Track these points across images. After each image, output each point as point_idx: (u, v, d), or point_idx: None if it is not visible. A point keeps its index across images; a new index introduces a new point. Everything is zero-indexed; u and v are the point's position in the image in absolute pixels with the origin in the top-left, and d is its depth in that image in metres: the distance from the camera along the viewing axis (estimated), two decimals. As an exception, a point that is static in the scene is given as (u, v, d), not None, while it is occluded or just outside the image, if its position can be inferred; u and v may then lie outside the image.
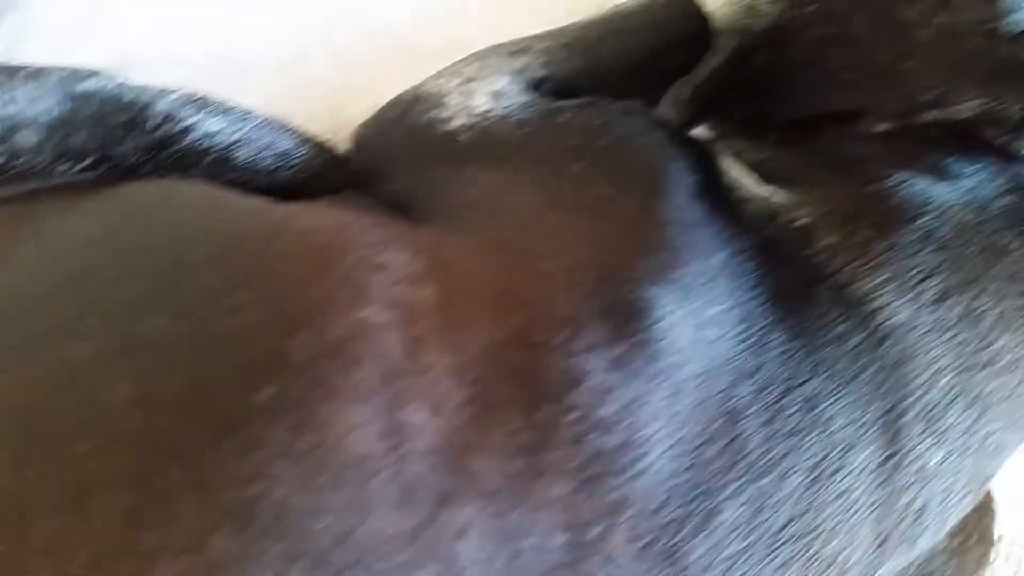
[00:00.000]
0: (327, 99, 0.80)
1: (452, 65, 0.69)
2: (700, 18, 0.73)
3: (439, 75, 0.69)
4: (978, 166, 0.56)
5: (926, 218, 0.53)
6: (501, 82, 0.66)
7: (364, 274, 0.48)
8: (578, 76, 0.69)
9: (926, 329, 0.52)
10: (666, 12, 0.73)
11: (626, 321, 0.49)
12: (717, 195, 0.58)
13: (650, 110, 0.66)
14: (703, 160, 0.61)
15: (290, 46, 0.80)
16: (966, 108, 0.56)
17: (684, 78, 0.73)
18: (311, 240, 0.50)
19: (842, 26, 0.61)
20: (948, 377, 0.52)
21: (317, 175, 0.71)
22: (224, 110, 0.67)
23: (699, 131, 0.71)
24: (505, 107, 0.64)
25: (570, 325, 0.48)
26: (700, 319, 0.50)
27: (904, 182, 0.54)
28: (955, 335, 0.52)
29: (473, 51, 0.79)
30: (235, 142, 0.65)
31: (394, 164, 0.67)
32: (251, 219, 0.52)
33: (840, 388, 0.50)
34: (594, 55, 0.70)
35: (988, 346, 0.53)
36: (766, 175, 0.60)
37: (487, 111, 0.64)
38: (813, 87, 0.62)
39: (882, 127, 0.58)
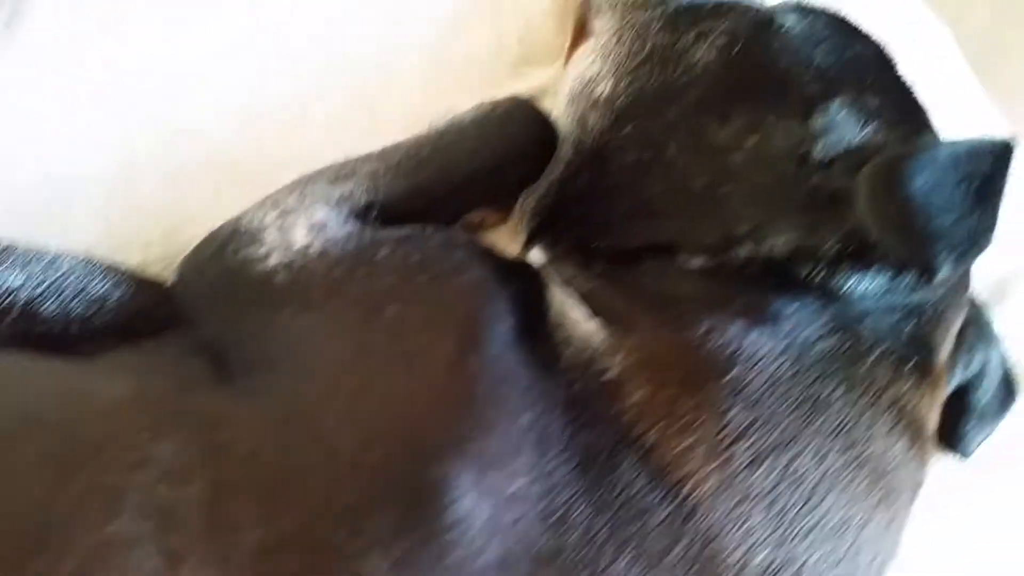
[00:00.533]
0: (161, 222, 0.75)
1: (273, 194, 0.65)
2: (545, 124, 0.70)
3: (259, 205, 0.64)
4: (797, 306, 0.51)
5: (736, 371, 0.49)
6: (321, 213, 0.63)
7: (121, 476, 0.43)
8: (406, 199, 0.66)
9: (738, 498, 0.47)
10: (505, 120, 0.70)
11: (416, 508, 0.44)
12: (536, 339, 0.54)
13: (475, 239, 0.62)
14: (529, 294, 0.57)
15: (120, 167, 0.76)
16: (782, 242, 0.52)
17: (530, 188, 0.70)
18: (67, 436, 0.46)
19: (657, 151, 0.57)
20: (766, 551, 0.48)
21: (138, 314, 0.67)
22: (28, 261, 0.63)
23: (536, 253, 0.66)
24: (324, 241, 0.60)
25: (352, 518, 0.44)
26: (499, 498, 0.46)
27: (715, 329, 0.50)
28: (772, 502, 0.48)
29: (309, 169, 0.76)
30: (41, 295, 0.62)
31: (210, 306, 0.62)
32: (8, 412, 0.48)
33: (647, 570, 0.46)
34: (425, 175, 0.67)
35: (812, 510, 0.49)
36: (593, 307, 0.56)
37: (305, 247, 0.60)
38: (632, 215, 0.58)
39: (697, 262, 0.55)
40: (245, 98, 0.77)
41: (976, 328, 0.65)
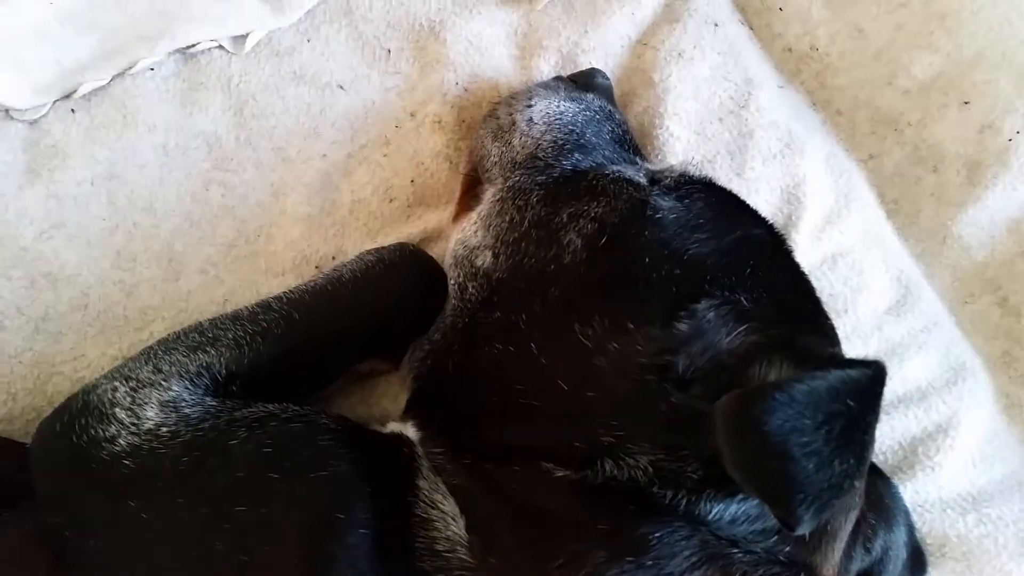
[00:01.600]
0: (29, 372, 0.71)
1: (128, 363, 0.61)
2: (431, 273, 0.66)
3: (112, 375, 0.60)
4: (662, 533, 0.46)
5: None
6: (176, 388, 0.58)
7: None
8: (276, 364, 0.61)
9: None
10: (388, 272, 0.66)
11: None
12: (394, 544, 0.50)
13: (341, 419, 0.58)
14: (397, 483, 0.53)
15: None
16: (645, 462, 0.48)
17: (418, 340, 0.66)
18: None
19: (522, 346, 0.53)
20: None
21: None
22: None
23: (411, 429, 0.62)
24: (177, 421, 0.56)
25: None
26: None
27: (575, 560, 0.45)
28: None
29: (185, 317, 0.72)
30: None
31: (58, 487, 0.58)
32: None
33: None
34: (296, 338, 0.62)
35: None
36: (461, 505, 0.52)
37: (155, 427, 0.56)
38: (497, 410, 0.54)
39: (561, 473, 0.50)
40: (116, 239, 0.73)
41: (877, 512, 0.61)
